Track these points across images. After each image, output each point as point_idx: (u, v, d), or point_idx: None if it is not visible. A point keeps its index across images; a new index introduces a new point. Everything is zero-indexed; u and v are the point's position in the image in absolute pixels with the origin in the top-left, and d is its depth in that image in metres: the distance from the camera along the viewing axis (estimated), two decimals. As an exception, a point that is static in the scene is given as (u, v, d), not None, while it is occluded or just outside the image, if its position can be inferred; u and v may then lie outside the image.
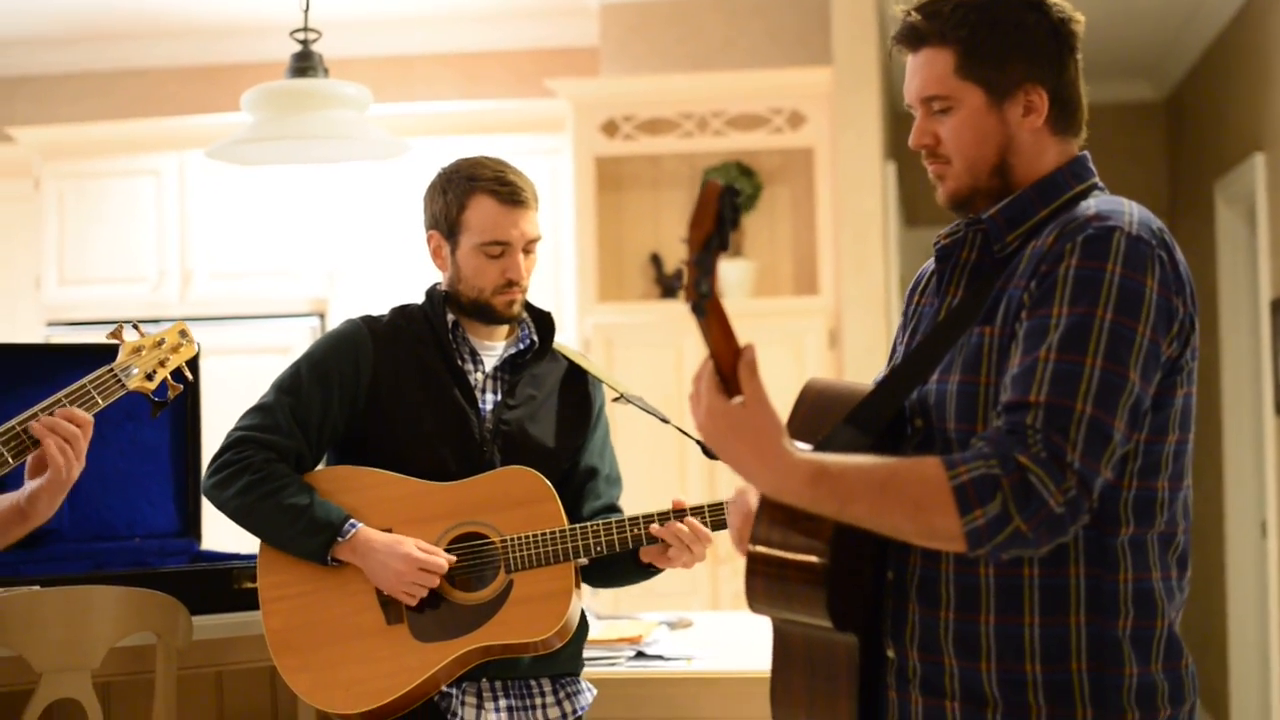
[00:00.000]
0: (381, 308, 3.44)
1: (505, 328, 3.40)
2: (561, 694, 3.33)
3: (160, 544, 4.03)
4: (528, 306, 3.42)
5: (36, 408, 2.96)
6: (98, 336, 3.19)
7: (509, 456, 3.30)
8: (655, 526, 3.20)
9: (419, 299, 3.43)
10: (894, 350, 2.53)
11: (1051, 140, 2.33)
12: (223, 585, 3.59)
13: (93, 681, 3.19)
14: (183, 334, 3.25)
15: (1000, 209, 2.32)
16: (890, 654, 2.30)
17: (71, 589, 3.22)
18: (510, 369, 3.39)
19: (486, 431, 3.32)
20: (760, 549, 2.25)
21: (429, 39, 7.74)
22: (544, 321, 3.44)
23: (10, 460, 2.93)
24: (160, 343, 3.20)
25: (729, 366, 2.12)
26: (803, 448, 2.16)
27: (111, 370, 3.10)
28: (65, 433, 2.93)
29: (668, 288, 6.80)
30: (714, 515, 3.23)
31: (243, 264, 7.26)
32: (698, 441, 3.25)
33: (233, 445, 3.27)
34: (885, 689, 2.30)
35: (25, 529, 3.00)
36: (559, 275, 6.87)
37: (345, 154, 4.82)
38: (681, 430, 3.43)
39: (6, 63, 8.02)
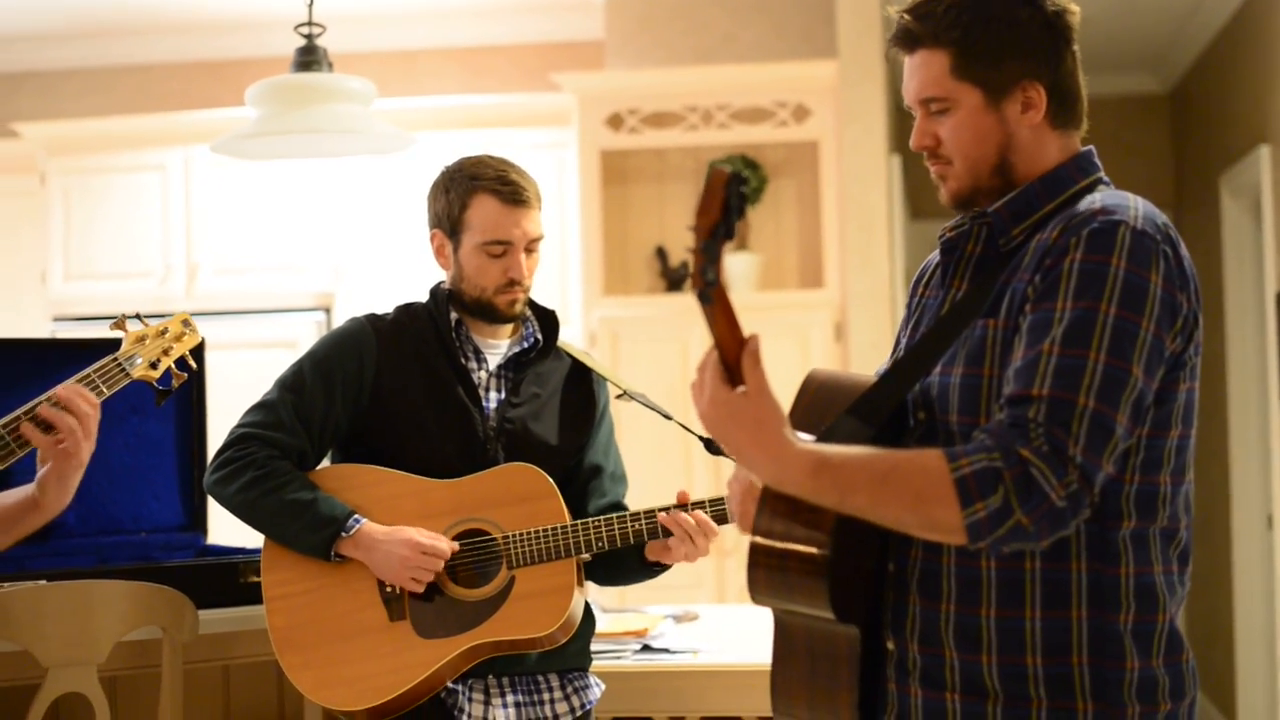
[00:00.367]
0: (387, 302, 3.44)
1: (509, 326, 3.40)
2: (569, 689, 3.33)
3: (166, 538, 4.04)
4: (532, 305, 3.42)
5: (43, 396, 2.97)
6: (103, 331, 3.20)
7: (512, 455, 3.30)
8: (663, 515, 3.21)
9: (424, 294, 3.43)
10: (897, 342, 2.54)
11: (1052, 135, 2.33)
12: (229, 579, 3.60)
13: (99, 676, 3.19)
14: (186, 323, 3.26)
15: (1005, 203, 2.32)
16: (890, 646, 2.30)
17: (77, 583, 3.22)
18: (514, 367, 3.39)
19: (490, 430, 3.32)
20: (761, 540, 2.25)
21: (433, 33, 7.75)
22: (548, 320, 3.44)
23: (15, 449, 2.93)
24: (163, 332, 3.21)
25: (733, 356, 2.12)
26: (805, 438, 2.16)
27: (116, 359, 3.11)
28: (76, 410, 2.94)
29: (673, 281, 6.80)
30: (715, 508, 3.23)
31: (248, 259, 7.26)
32: (701, 438, 3.27)
33: (236, 442, 3.28)
34: (885, 681, 2.31)
35: (39, 519, 3.00)
36: (565, 269, 6.87)
37: (350, 148, 4.83)
38: (685, 427, 3.43)
39: (12, 58, 8.02)
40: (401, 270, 6.98)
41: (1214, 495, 7.54)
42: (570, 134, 6.87)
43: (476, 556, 3.24)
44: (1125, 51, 8.15)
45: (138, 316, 3.20)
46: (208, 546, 4.07)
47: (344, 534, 3.20)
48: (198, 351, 3.29)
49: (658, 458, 6.18)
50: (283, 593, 3.26)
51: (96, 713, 3.18)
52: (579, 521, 3.23)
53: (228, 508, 3.29)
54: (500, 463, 3.29)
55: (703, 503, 3.24)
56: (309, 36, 4.50)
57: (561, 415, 3.39)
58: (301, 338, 7.02)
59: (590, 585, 3.39)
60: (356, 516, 3.21)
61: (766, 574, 2.26)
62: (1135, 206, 2.23)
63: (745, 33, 7.05)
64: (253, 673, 3.78)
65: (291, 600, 3.25)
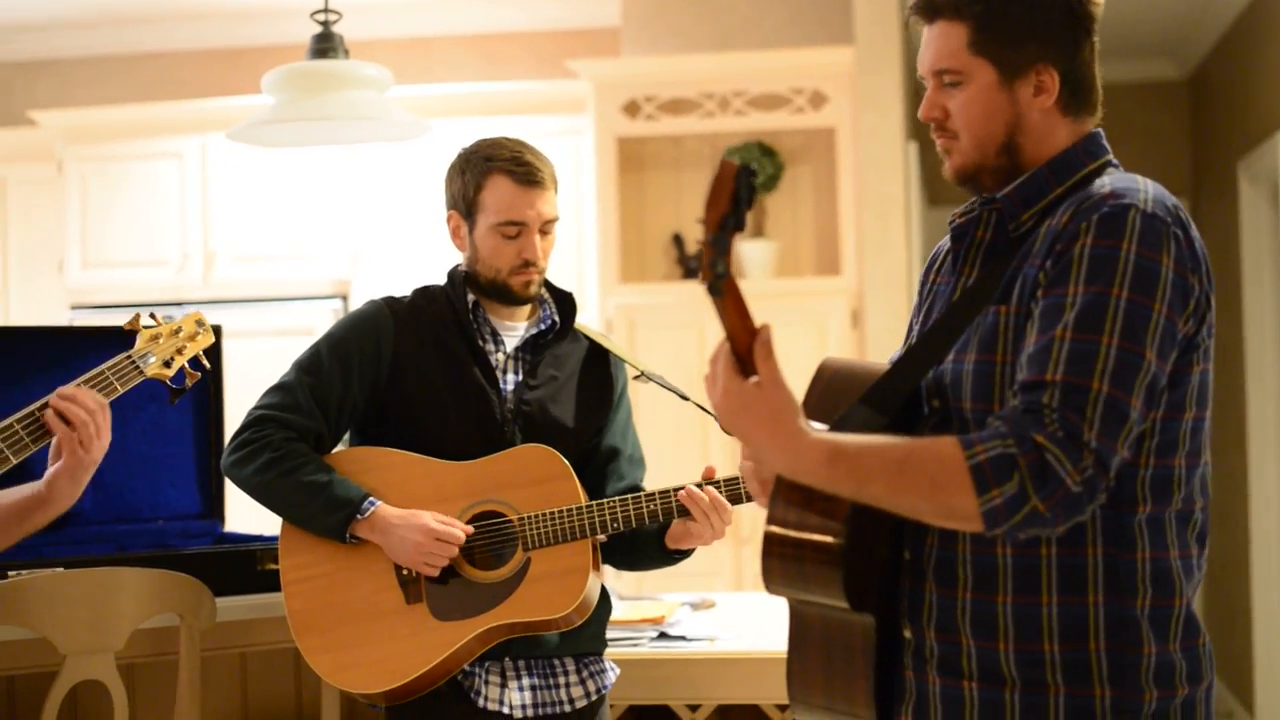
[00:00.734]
0: (404, 289, 3.44)
1: (527, 308, 3.40)
2: (585, 673, 3.34)
3: (183, 526, 4.04)
4: (549, 287, 3.43)
5: (47, 397, 2.97)
6: (121, 320, 3.21)
7: (530, 437, 3.31)
8: (680, 493, 3.21)
9: (441, 280, 3.43)
10: (910, 329, 2.53)
11: (1062, 121, 2.32)
12: (246, 567, 3.61)
13: (116, 663, 3.20)
14: (199, 323, 3.27)
15: (1015, 188, 2.31)
16: (907, 634, 2.30)
17: (95, 571, 3.23)
18: (532, 349, 3.39)
19: (507, 412, 3.32)
20: (776, 529, 2.25)
21: (449, 20, 7.75)
22: (566, 302, 3.44)
23: (30, 443, 2.94)
24: (177, 331, 3.22)
25: (745, 347, 2.12)
26: (818, 427, 2.16)
27: (129, 357, 3.12)
28: (74, 416, 2.94)
29: (690, 268, 6.80)
30: (730, 488, 3.23)
31: (265, 246, 7.28)
32: (718, 419, 3.27)
33: (253, 424, 3.29)
34: (902, 669, 2.30)
35: (48, 514, 3.01)
36: (581, 257, 6.87)
37: (366, 135, 4.83)
38: (702, 407, 3.42)
39: (29, 46, 8.04)
40: (418, 257, 6.99)
41: (1232, 480, 7.53)
42: (586, 121, 6.87)
43: (492, 538, 3.25)
44: (1144, 37, 8.13)
45: (151, 314, 3.22)
46: (225, 534, 4.07)
47: (359, 516, 3.20)
48: (211, 350, 3.30)
49: (675, 440, 6.19)
50: (300, 576, 3.27)
51: (114, 700, 3.19)
52: (594, 503, 3.23)
53: (244, 489, 3.30)
54: (517, 445, 3.30)
55: (717, 482, 3.24)
56: (325, 24, 4.50)
57: (579, 397, 3.39)
58: (318, 325, 7.02)
59: (606, 570, 3.39)
60: (372, 499, 3.22)
61: (781, 563, 2.26)
62: (1145, 190, 2.22)
63: (762, 19, 7.05)
64: (270, 660, 3.79)
65: (309, 584, 3.26)
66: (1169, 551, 2.21)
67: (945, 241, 2.46)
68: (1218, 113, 8.06)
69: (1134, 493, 2.19)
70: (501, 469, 3.27)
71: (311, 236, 7.24)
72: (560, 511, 3.22)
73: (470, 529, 3.23)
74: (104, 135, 7.42)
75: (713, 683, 3.83)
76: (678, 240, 6.87)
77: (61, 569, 3.33)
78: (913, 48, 7.13)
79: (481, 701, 3.22)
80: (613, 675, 3.41)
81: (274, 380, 3.35)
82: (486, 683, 3.24)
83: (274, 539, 3.42)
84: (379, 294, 3.46)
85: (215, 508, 4.13)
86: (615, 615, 3.68)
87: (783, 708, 3.78)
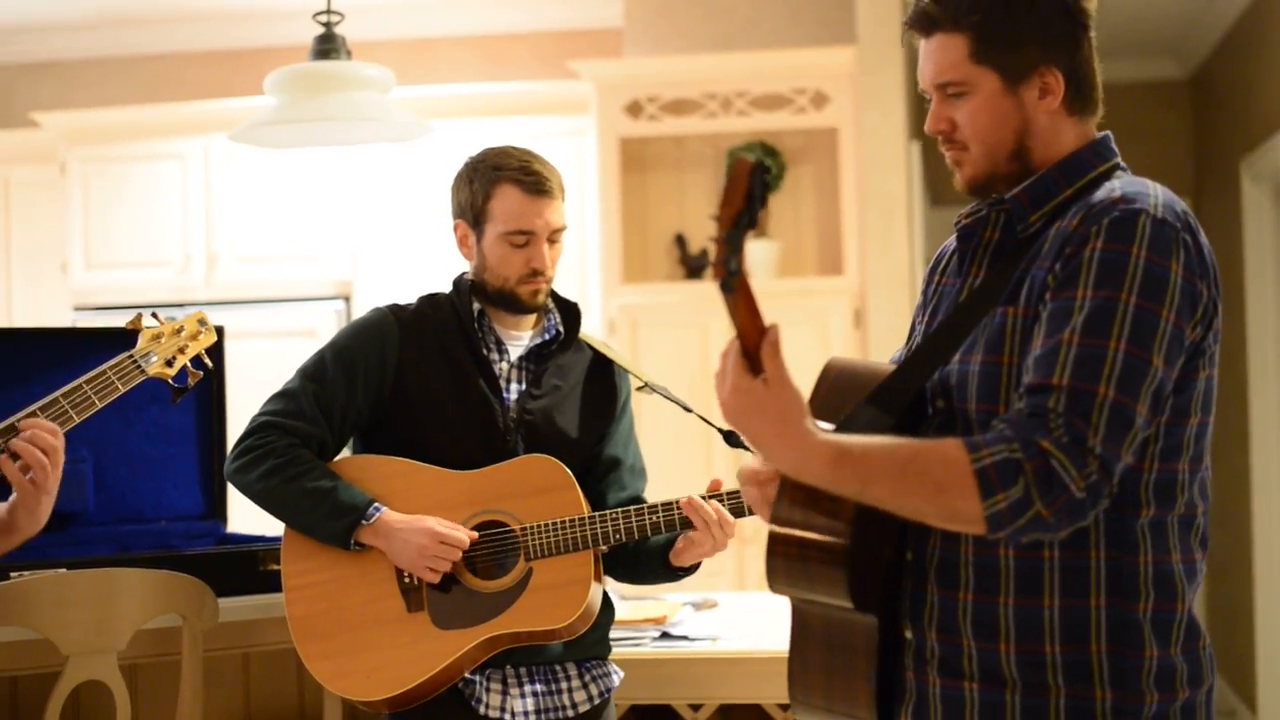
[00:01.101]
0: (406, 290, 3.45)
1: (532, 317, 3.40)
2: (588, 677, 3.34)
3: (186, 526, 4.04)
4: (554, 296, 3.43)
5: (32, 407, 2.94)
6: (124, 321, 3.20)
7: (533, 446, 3.31)
8: (684, 501, 3.20)
9: (444, 281, 3.44)
10: (912, 330, 2.53)
11: (1069, 121, 2.32)
12: (249, 567, 3.61)
13: (119, 664, 3.20)
14: (201, 322, 3.27)
15: (1024, 189, 2.31)
16: (908, 635, 2.30)
17: (97, 571, 3.23)
18: (535, 359, 3.39)
19: (510, 421, 3.32)
20: (781, 529, 2.25)
21: (452, 21, 7.75)
22: (570, 311, 3.44)
23: None
24: (179, 330, 3.22)
25: (754, 345, 2.12)
26: (824, 428, 2.16)
27: (131, 356, 3.12)
28: (31, 459, 2.89)
29: (692, 269, 6.80)
30: (733, 501, 3.23)
31: (268, 247, 7.28)
32: (721, 431, 3.27)
33: (256, 430, 3.29)
34: (903, 670, 2.31)
35: (12, 541, 2.97)
36: (584, 257, 6.87)
37: (369, 136, 4.83)
38: (705, 419, 3.43)
39: (31, 48, 8.04)
40: (420, 258, 6.99)
41: (1234, 479, 7.53)
42: (589, 121, 6.87)
43: (494, 548, 3.24)
44: (1146, 36, 8.12)
45: (153, 314, 3.21)
46: (228, 535, 4.07)
47: (364, 522, 3.20)
48: (213, 349, 3.30)
49: (678, 451, 6.18)
50: (302, 583, 3.26)
51: (116, 701, 3.19)
52: (597, 513, 3.23)
53: (248, 495, 3.30)
54: (520, 454, 3.29)
55: (721, 495, 3.24)
56: (327, 25, 4.50)
57: (582, 408, 3.39)
58: (321, 326, 7.03)
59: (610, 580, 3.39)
60: (377, 505, 3.22)
61: (785, 563, 2.26)
62: (1155, 194, 2.22)
63: (764, 19, 7.04)
64: (273, 661, 3.79)
65: (310, 590, 3.26)
66: (1171, 555, 2.21)
67: (950, 242, 2.46)
68: (1220, 112, 8.05)
69: (1137, 497, 2.19)
70: (504, 478, 3.27)
71: (314, 237, 7.24)
72: (563, 522, 3.22)
73: (474, 534, 3.23)
74: (107, 136, 7.42)
75: (715, 682, 3.83)
76: (680, 240, 6.86)
77: (64, 570, 3.33)
78: (914, 48, 7.10)
79: (483, 709, 3.22)
80: (616, 678, 3.40)
81: (278, 385, 3.35)
82: (488, 690, 3.24)
83: (276, 539, 3.42)
84: (381, 294, 3.47)
85: (218, 508, 4.13)
86: (617, 616, 3.68)
87: (785, 707, 3.78)
